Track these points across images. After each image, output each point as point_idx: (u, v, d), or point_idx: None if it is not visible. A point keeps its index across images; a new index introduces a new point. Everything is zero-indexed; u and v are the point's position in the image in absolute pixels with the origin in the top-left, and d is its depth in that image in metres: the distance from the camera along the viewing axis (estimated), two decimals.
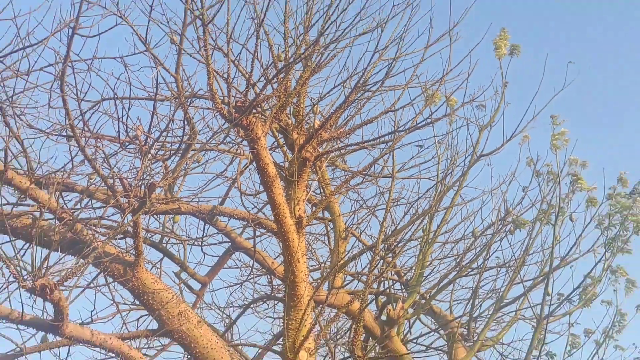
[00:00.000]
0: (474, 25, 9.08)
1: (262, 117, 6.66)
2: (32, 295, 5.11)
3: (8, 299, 5.44)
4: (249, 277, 8.95)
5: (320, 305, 7.57)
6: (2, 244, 6.03)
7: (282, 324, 8.85)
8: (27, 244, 6.16)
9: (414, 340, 10.27)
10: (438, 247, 10.28)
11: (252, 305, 8.90)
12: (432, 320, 10.70)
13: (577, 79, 8.70)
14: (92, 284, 6.09)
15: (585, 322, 9.54)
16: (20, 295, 5.47)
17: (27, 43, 5.62)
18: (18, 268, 4.68)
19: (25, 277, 4.66)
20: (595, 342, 9.22)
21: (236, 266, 9.63)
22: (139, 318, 7.88)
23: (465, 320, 10.22)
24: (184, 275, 8.60)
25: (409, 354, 9.12)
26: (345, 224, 9.66)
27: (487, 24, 8.65)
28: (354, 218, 10.17)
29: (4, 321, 5.32)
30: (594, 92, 21.65)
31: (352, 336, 7.94)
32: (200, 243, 8.37)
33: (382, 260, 9.40)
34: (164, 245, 8.38)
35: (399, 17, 7.56)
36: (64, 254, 5.68)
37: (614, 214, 9.06)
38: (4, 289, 5.31)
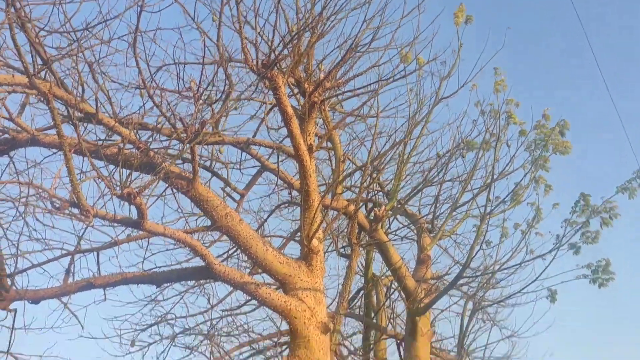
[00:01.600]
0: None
1: (282, 71, 6.56)
2: (121, 201, 5.17)
3: (104, 205, 5.53)
4: (274, 190, 8.99)
5: (326, 209, 7.65)
6: (100, 168, 6.07)
7: (299, 223, 9.05)
8: (115, 167, 6.17)
9: (393, 233, 10.41)
10: (410, 166, 10.37)
11: (277, 210, 8.97)
12: (406, 219, 10.82)
13: (511, 41, 8.62)
14: (164, 194, 6.11)
15: (516, 218, 9.63)
16: (112, 202, 5.55)
17: (108, 17, 5.52)
18: (111, 182, 4.69)
19: (116, 188, 4.68)
20: (522, 232, 9.36)
21: (265, 183, 9.73)
22: (197, 219, 7.94)
23: (430, 218, 10.34)
24: (227, 189, 8.62)
25: (389, 241, 9.25)
26: (342, 151, 9.67)
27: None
28: (349, 147, 10.21)
29: (103, 220, 5.35)
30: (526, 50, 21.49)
31: (349, 229, 8.05)
32: (239, 166, 8.37)
33: (369, 177, 9.42)
34: (213, 168, 8.39)
35: None
36: (141, 174, 5.73)
37: (539, 140, 9.06)
38: (101, 197, 5.37)
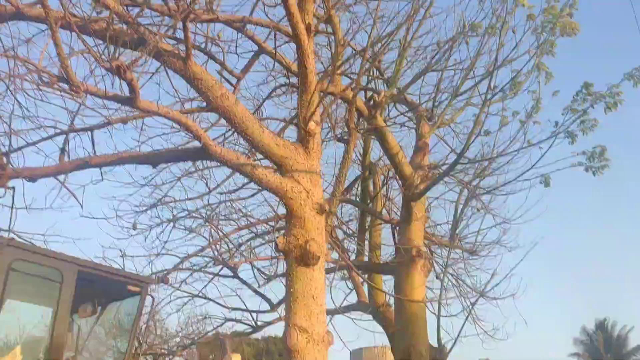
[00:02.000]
0: None
1: None
2: (113, 81, 5.01)
3: (96, 84, 5.37)
4: (271, 74, 8.74)
5: (324, 94, 7.48)
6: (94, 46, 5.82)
7: (295, 112, 8.91)
8: (104, 44, 5.93)
9: (392, 120, 10.31)
10: (412, 53, 10.04)
11: (274, 93, 8.78)
12: (405, 107, 10.66)
13: None
14: (158, 71, 5.91)
15: (515, 107, 9.49)
16: (104, 82, 5.38)
17: None
18: (99, 55, 4.51)
19: (104, 59, 4.50)
20: (520, 122, 9.25)
21: (262, 70, 9.44)
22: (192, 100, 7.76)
23: (429, 106, 10.20)
24: (224, 73, 8.37)
25: (387, 126, 9.18)
26: (342, 34, 9.30)
27: None
28: (348, 33, 9.80)
29: (95, 99, 5.21)
30: None
31: (347, 114, 7.92)
32: (235, 47, 8.06)
33: (369, 62, 9.15)
34: (209, 50, 8.07)
35: None
36: (133, 50, 5.50)
37: (547, 23, 8.69)
38: (92, 75, 5.20)
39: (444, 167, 9.83)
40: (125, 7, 5.95)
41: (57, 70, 4.90)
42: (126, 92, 5.25)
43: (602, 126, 7.99)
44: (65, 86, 4.93)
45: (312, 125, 6.30)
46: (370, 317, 9.69)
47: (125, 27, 5.75)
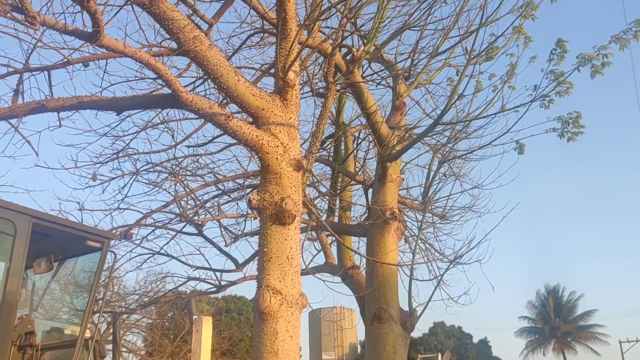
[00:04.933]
0: None
1: None
2: (73, 9, 4.47)
3: (53, 15, 4.81)
4: (247, 18, 8.15)
5: (301, 46, 7.03)
6: None
7: (270, 64, 8.43)
8: None
9: (368, 77, 9.91)
10: (391, 10, 9.62)
11: (249, 40, 8.24)
12: (382, 65, 10.29)
13: None
14: (122, 8, 5.35)
15: (492, 70, 9.27)
16: (62, 11, 4.83)
17: None
18: None
19: None
20: (494, 87, 9.05)
21: (236, 21, 8.85)
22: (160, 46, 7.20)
23: (407, 65, 9.85)
24: (194, 18, 7.79)
25: (364, 82, 8.80)
26: None
27: None
28: None
29: (51, 31, 4.66)
30: None
31: (325, 67, 7.51)
32: None
33: (346, 18, 8.70)
34: None
35: None
36: None
37: None
38: (50, 2, 4.64)
39: (420, 130, 9.58)
40: None
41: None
42: (89, 28, 4.74)
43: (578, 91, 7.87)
44: (20, 17, 4.38)
45: (291, 75, 5.88)
46: (338, 279, 9.48)
47: None
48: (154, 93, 7.31)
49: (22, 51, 5.58)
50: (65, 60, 5.35)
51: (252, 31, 8.19)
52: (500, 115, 8.27)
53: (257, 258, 5.90)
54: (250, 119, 6.06)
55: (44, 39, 5.34)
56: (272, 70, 7.10)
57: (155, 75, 6.38)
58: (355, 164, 10.47)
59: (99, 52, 5.64)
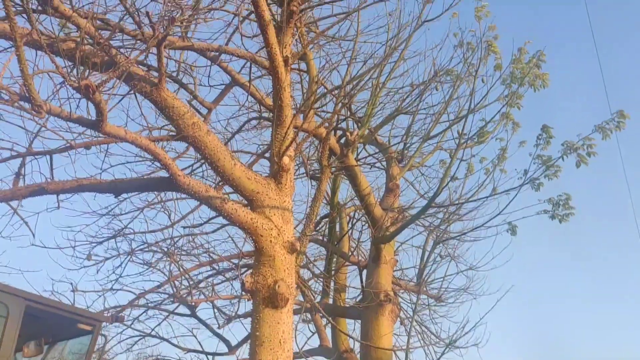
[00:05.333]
0: None
1: None
2: (78, 103, 4.70)
3: (60, 105, 5.04)
4: (244, 105, 8.50)
5: (297, 130, 7.30)
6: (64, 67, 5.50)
7: (267, 144, 8.71)
8: (72, 64, 5.61)
9: (362, 160, 10.17)
10: (384, 94, 10.04)
11: (246, 125, 8.54)
12: (376, 148, 10.57)
13: None
14: (128, 96, 5.61)
15: (483, 153, 9.58)
16: (69, 104, 5.06)
17: None
18: (66, 70, 4.20)
19: (72, 78, 4.19)
20: (486, 170, 9.29)
21: (234, 104, 9.22)
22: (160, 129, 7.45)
23: (400, 148, 10.14)
24: (194, 103, 8.11)
25: (359, 165, 9.03)
26: (317, 71, 9.24)
27: None
28: (321, 72, 9.74)
29: (56, 118, 4.87)
30: None
31: (320, 151, 7.74)
32: (207, 75, 7.84)
33: (344, 99, 9.07)
34: (180, 78, 7.84)
35: None
36: (102, 73, 5.20)
37: (517, 76, 8.86)
38: (56, 94, 4.88)
39: (413, 211, 9.72)
40: (97, 30, 5.68)
41: (19, 88, 4.58)
42: (92, 115, 4.95)
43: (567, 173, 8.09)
44: (27, 105, 4.59)
45: (285, 160, 6.07)
46: None
47: (95, 48, 5.46)
48: (152, 175, 7.48)
49: (27, 135, 5.77)
50: (68, 144, 5.54)
51: (249, 117, 8.49)
52: (492, 197, 8.46)
53: (249, 341, 5.85)
54: (246, 202, 6.19)
55: (48, 124, 5.57)
56: (267, 154, 7.31)
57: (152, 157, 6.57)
58: (349, 244, 10.52)
59: (101, 137, 5.85)
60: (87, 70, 4.47)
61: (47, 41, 5.22)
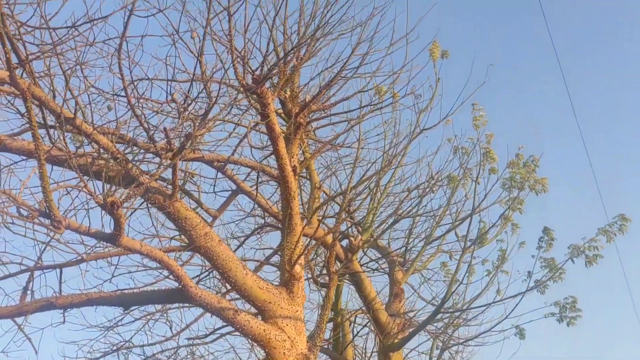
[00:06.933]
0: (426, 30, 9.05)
1: (274, 86, 6.34)
2: (85, 204, 4.77)
3: (75, 215, 5.11)
4: (250, 213, 8.61)
5: (307, 237, 7.42)
6: (70, 180, 5.64)
7: (270, 252, 8.78)
8: (89, 178, 5.73)
9: (365, 265, 10.17)
10: (384, 198, 10.23)
11: (255, 233, 8.59)
12: (377, 252, 10.61)
13: (492, 77, 8.88)
14: (141, 207, 5.69)
15: (483, 254, 9.66)
16: (88, 214, 5.12)
17: (94, 17, 5.16)
18: (92, 191, 4.30)
19: (97, 195, 4.28)
20: (488, 272, 9.30)
21: (235, 209, 9.33)
22: (170, 241, 7.47)
23: (402, 251, 10.19)
24: (199, 210, 8.20)
25: (364, 272, 9.03)
26: (318, 178, 9.49)
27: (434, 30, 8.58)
28: (320, 176, 10.02)
29: (70, 235, 4.90)
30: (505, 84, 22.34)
31: (327, 258, 7.76)
32: (213, 184, 7.99)
33: (347, 206, 9.25)
34: (184, 187, 7.98)
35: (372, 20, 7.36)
36: (119, 187, 5.32)
37: (516, 181, 9.10)
38: (81, 206, 4.96)
39: (420, 314, 9.60)
40: (114, 143, 5.87)
41: (36, 204, 4.65)
42: (107, 227, 5.00)
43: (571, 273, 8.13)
44: (46, 221, 4.64)
45: (297, 268, 6.09)
46: None
47: (113, 163, 5.61)
48: (156, 284, 7.40)
49: (36, 249, 5.75)
50: (79, 257, 5.53)
51: (257, 223, 8.57)
52: (499, 301, 8.42)
53: None
54: (256, 311, 6.11)
55: (59, 236, 5.58)
56: (272, 259, 7.33)
57: (158, 265, 6.53)
58: (353, 351, 10.25)
59: (113, 248, 5.85)
60: (112, 187, 4.56)
61: (64, 157, 5.38)
